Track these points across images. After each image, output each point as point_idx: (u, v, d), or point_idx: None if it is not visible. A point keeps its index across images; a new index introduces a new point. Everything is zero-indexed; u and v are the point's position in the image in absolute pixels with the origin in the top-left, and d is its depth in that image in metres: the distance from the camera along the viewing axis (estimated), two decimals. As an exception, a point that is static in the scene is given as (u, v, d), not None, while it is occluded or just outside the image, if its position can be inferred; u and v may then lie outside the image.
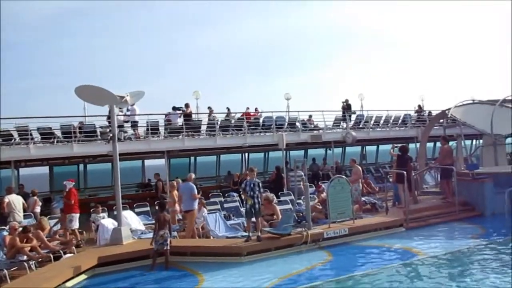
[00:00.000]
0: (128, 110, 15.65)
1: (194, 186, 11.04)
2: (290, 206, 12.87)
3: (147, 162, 21.42)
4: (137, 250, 9.41)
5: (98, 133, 14.46)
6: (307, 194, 10.61)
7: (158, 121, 15.97)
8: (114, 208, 11.40)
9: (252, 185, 9.49)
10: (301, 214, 11.77)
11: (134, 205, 13.74)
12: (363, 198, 13.53)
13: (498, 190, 12.03)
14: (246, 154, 22.26)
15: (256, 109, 19.40)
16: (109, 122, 12.49)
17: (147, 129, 15.45)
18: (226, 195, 15.61)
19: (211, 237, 10.76)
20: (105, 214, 12.40)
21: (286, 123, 18.56)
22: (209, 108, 17.92)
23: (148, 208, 13.70)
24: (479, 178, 13.14)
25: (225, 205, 13.53)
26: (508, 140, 18.42)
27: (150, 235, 11.08)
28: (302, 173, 16.97)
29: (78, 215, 11.32)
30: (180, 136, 16.05)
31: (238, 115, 18.30)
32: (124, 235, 10.18)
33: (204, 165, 24.21)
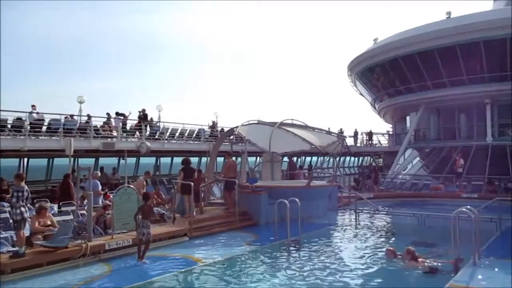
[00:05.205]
0: None
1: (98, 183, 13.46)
2: (71, 216, 11.91)
3: None
4: None
5: None
6: (90, 204, 10.01)
7: None
8: None
9: (17, 193, 8.55)
10: (83, 226, 11.00)
11: None
12: (152, 209, 13.46)
13: (271, 202, 13.51)
14: (26, 160, 19.79)
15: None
16: None
17: None
18: (-6, 205, 13.50)
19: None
20: None
21: (76, 128, 17.30)
22: None
23: None
24: (257, 191, 14.66)
25: (-9, 217, 11.67)
26: (284, 158, 21.13)
27: None
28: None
29: None
30: None
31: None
32: None
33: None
